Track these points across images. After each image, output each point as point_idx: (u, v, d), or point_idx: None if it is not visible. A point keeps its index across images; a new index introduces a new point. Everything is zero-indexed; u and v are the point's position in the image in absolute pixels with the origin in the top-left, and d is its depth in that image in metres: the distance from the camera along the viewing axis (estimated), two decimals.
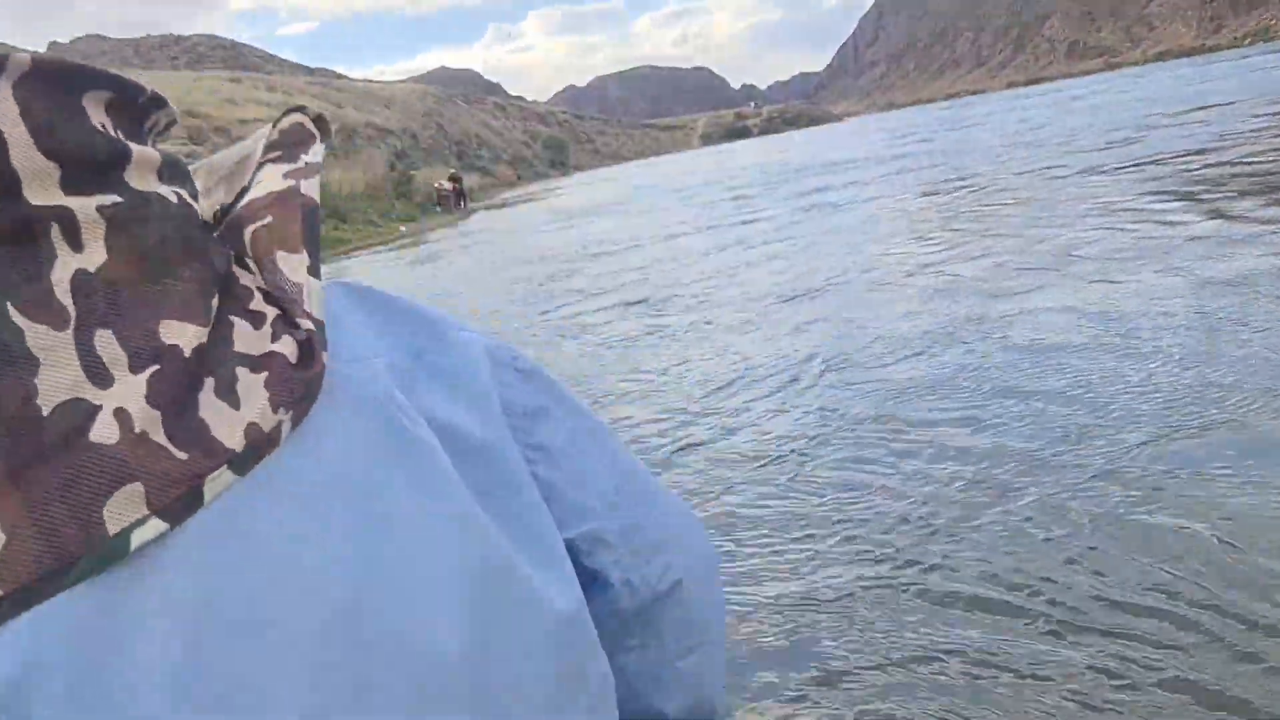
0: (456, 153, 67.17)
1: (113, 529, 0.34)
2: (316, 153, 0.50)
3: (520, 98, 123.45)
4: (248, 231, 0.45)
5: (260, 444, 0.39)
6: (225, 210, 0.48)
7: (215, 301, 0.41)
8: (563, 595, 0.48)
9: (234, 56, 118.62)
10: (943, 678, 2.54)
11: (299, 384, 0.42)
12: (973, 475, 3.74)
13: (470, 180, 44.74)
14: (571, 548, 0.54)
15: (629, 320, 8.31)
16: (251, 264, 0.45)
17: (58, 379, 0.35)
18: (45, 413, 0.34)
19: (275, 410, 0.40)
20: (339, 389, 0.44)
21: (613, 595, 0.58)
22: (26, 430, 0.34)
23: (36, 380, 0.35)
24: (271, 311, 0.44)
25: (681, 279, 10.09)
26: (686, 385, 5.85)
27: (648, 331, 7.67)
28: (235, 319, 0.43)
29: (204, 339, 0.40)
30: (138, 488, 0.35)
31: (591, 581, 0.56)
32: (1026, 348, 5.20)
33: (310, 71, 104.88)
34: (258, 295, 0.44)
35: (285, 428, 0.40)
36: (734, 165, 35.48)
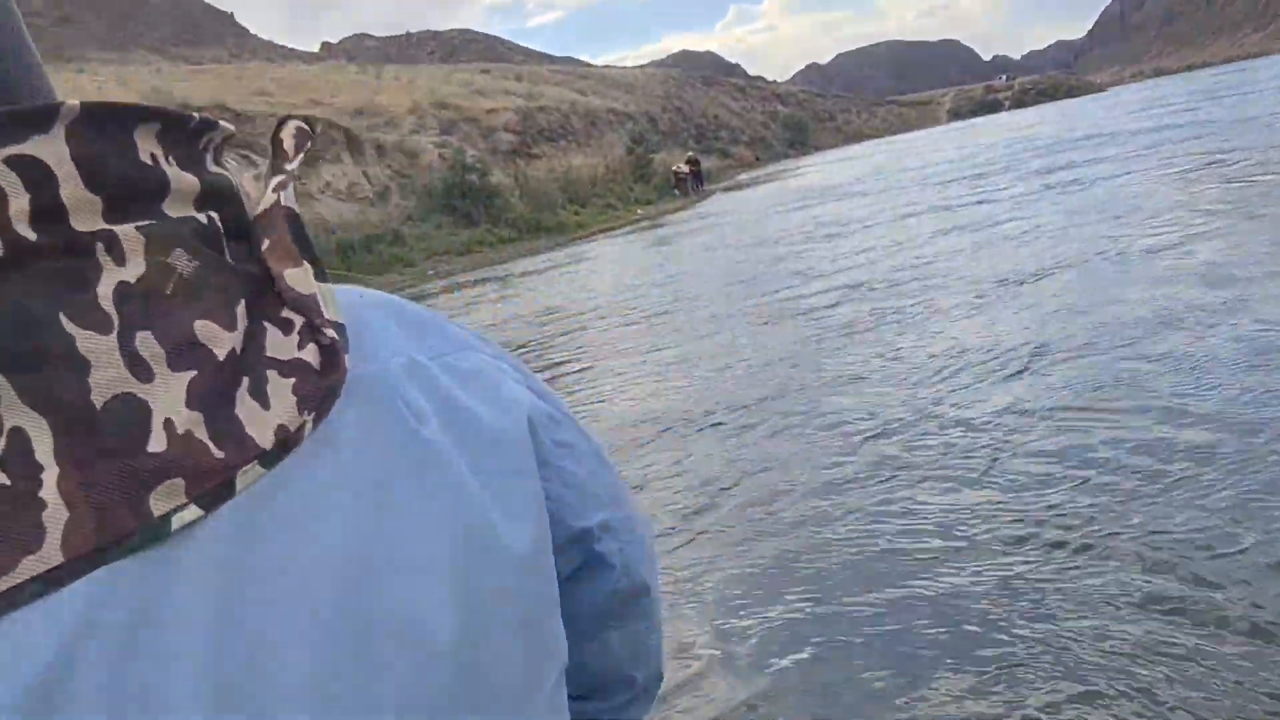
0: (695, 135, 67.80)
1: (157, 513, 0.42)
2: (296, 161, 0.54)
3: (760, 78, 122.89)
4: (263, 246, 0.50)
5: (287, 442, 0.45)
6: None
7: (242, 309, 0.47)
8: (519, 541, 0.55)
9: (486, 49, 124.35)
10: (1143, 682, 2.56)
11: (324, 388, 0.48)
12: (1176, 472, 3.64)
13: (708, 163, 45.23)
14: (588, 534, 0.65)
15: (850, 304, 8.34)
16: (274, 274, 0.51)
17: (107, 377, 0.42)
18: (99, 407, 0.42)
19: (301, 412, 0.46)
20: (356, 388, 0.50)
21: (614, 577, 0.69)
22: (84, 423, 0.41)
23: (89, 380, 0.42)
24: (299, 319, 0.49)
25: (909, 262, 9.97)
26: (897, 372, 5.87)
27: (867, 315, 7.69)
28: (267, 325, 0.48)
29: (239, 343, 0.46)
30: (179, 481, 0.42)
31: (599, 563, 0.67)
32: (1256, 342, 4.91)
33: (555, 60, 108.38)
34: (285, 304, 0.50)
35: (308, 428, 0.47)
36: (980, 141, 34.16)
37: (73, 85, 26.67)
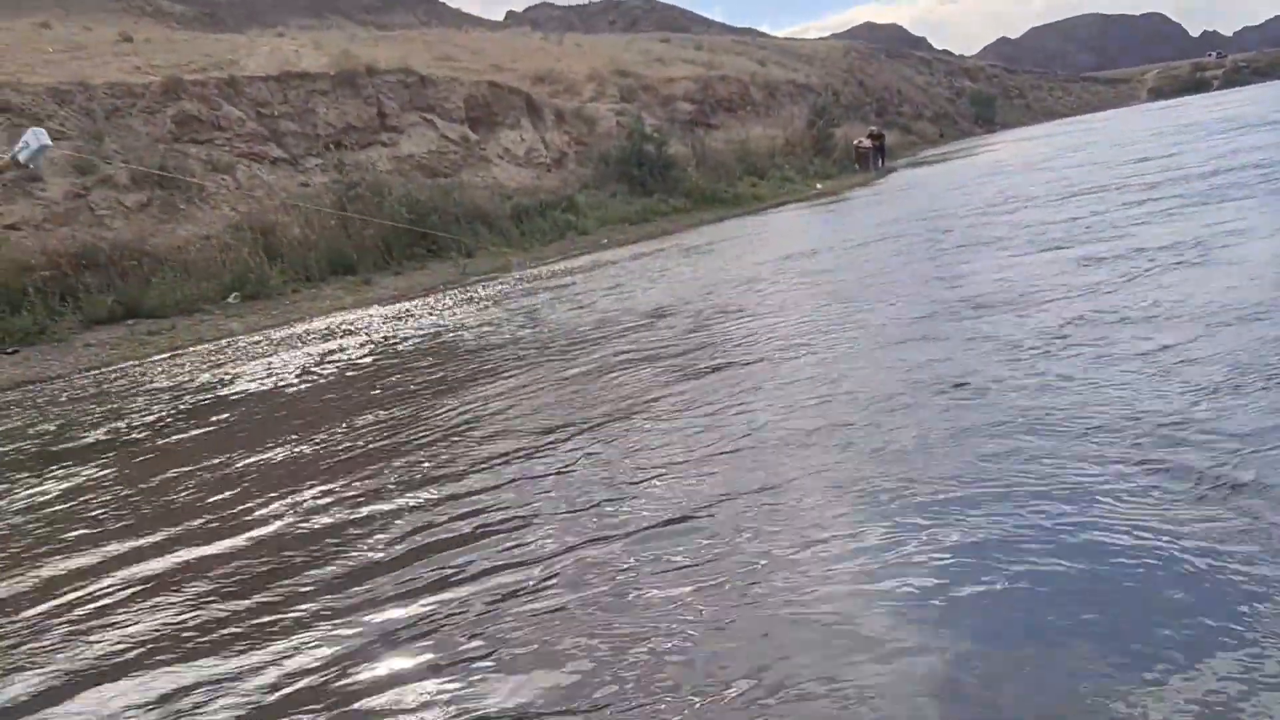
0: (877, 109, 65.68)
1: None
2: None
3: (947, 51, 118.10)
4: None
5: None
6: None
7: None
8: None
9: (666, 19, 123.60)
10: None
11: None
12: None
13: (890, 138, 43.56)
14: None
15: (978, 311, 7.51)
16: None
17: None
18: None
19: None
20: None
21: None
22: None
23: None
24: None
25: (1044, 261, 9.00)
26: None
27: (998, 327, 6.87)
28: None
29: None
30: None
31: None
32: None
33: (735, 30, 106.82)
34: None
35: None
36: (1182, 121, 31.63)
37: (271, 47, 27.57)
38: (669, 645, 3.10)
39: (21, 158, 3.43)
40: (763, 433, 5.13)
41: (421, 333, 11.89)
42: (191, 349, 14.13)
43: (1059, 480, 3.83)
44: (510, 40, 40.29)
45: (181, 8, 68.17)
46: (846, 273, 11.07)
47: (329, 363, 10.60)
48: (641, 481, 4.69)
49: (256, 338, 14.32)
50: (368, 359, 10.44)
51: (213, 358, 12.79)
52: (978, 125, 79.58)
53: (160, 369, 12.50)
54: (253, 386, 9.84)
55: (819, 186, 29.99)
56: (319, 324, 14.88)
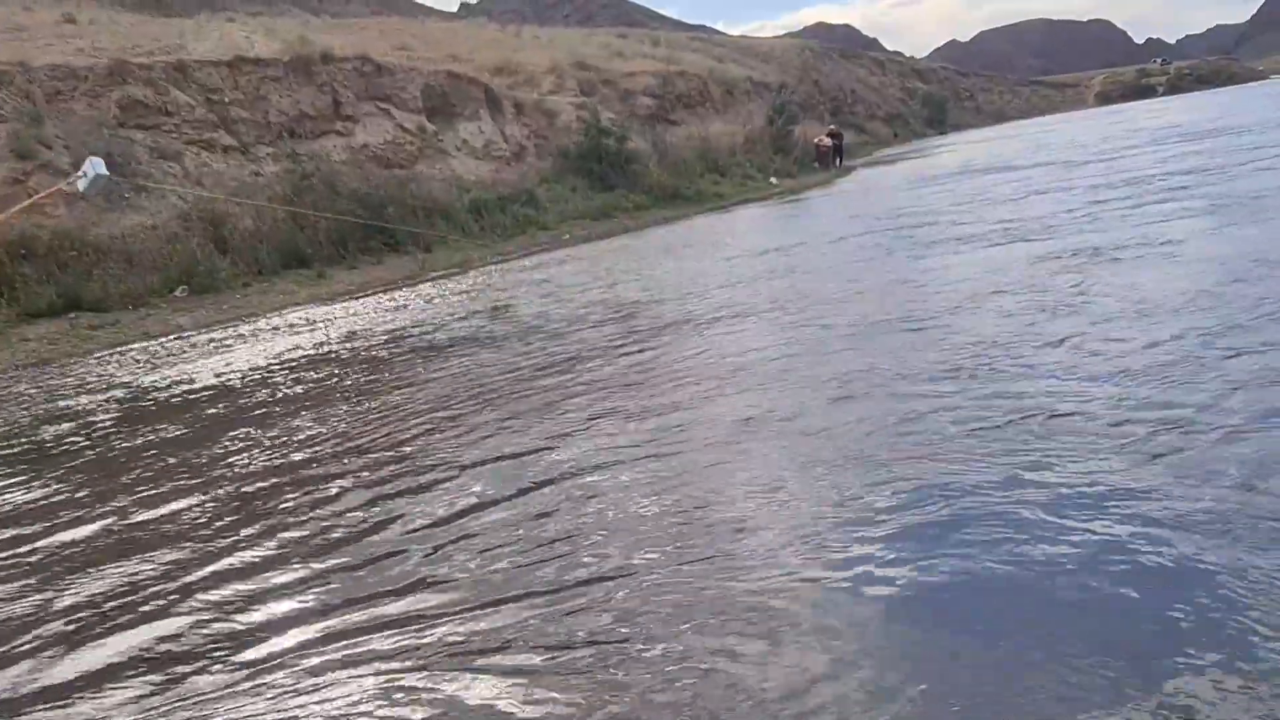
0: (831, 109, 65.77)
1: None
2: None
3: (899, 53, 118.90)
4: None
5: None
6: None
7: None
8: None
9: (622, 14, 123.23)
10: None
11: None
12: None
13: (845, 137, 43.48)
14: None
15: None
16: None
17: None
18: None
19: None
20: None
21: None
22: None
23: None
24: None
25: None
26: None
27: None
28: None
29: None
30: None
31: None
32: None
33: (690, 27, 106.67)
34: None
35: None
36: (1128, 127, 31.90)
37: (222, 33, 26.73)
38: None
39: (81, 187, 3.22)
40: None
41: (385, 334, 11.39)
42: (136, 345, 13.48)
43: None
44: (467, 31, 39.59)
45: None
46: (821, 273, 10.76)
47: (284, 362, 10.07)
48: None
49: (206, 334, 13.70)
50: (329, 355, 9.93)
51: (159, 355, 12.18)
52: (930, 127, 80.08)
53: (107, 367, 11.87)
54: (201, 385, 9.29)
55: (774, 182, 29.74)
56: (273, 320, 14.29)
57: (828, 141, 35.43)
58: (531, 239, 21.25)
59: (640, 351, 7.75)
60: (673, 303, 10.22)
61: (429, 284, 16.78)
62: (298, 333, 12.44)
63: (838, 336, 7.19)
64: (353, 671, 3.21)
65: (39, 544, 5.12)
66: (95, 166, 3.31)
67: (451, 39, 34.94)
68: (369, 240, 19.39)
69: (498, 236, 21.15)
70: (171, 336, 13.87)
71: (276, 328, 13.32)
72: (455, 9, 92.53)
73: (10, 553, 5.03)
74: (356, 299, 15.69)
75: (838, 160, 35.64)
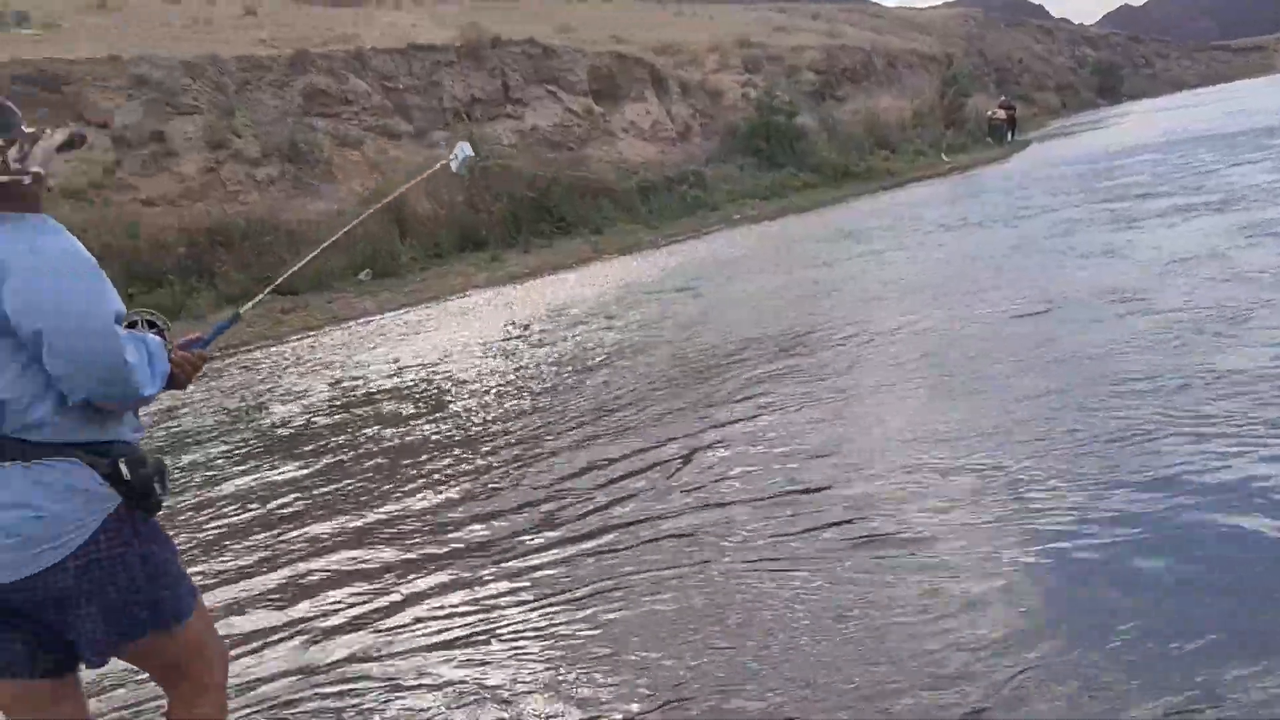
0: (997, 79, 63.16)
1: None
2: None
3: (1065, 19, 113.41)
4: None
5: None
6: None
7: None
8: None
9: None
10: None
11: None
12: None
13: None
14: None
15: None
16: None
17: None
18: None
19: None
20: None
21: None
22: None
23: None
24: None
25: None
26: None
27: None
28: None
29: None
30: None
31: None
32: None
33: (843, 0, 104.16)
34: None
35: None
36: None
37: (390, 20, 27.30)
38: None
39: (454, 167, 3.39)
40: None
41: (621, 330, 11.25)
42: (326, 327, 13.78)
43: None
44: (629, 11, 39.47)
45: None
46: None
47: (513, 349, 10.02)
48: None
49: (396, 316, 13.88)
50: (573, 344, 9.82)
51: (361, 337, 12.37)
52: (1101, 96, 76.01)
53: (324, 351, 12.13)
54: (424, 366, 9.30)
55: (945, 159, 28.54)
56: (456, 301, 14.39)
57: (1001, 114, 33.84)
58: (701, 220, 20.91)
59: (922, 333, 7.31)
60: (915, 295, 9.73)
61: (602, 264, 16.66)
62: (479, 317, 12.44)
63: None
64: None
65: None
66: (464, 150, 3.37)
67: (613, 19, 34.85)
68: (540, 223, 19.42)
69: (666, 218, 20.91)
70: (359, 320, 14.12)
71: (466, 309, 13.37)
72: None
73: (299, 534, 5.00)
74: (531, 280, 15.68)
75: (1011, 134, 34.03)
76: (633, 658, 3.25)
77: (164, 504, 2.27)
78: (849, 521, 4.05)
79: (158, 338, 2.34)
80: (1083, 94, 74.95)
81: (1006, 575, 3.37)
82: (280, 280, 3.07)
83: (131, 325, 2.35)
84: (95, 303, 2.09)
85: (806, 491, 4.49)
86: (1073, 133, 35.47)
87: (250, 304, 2.81)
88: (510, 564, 4.27)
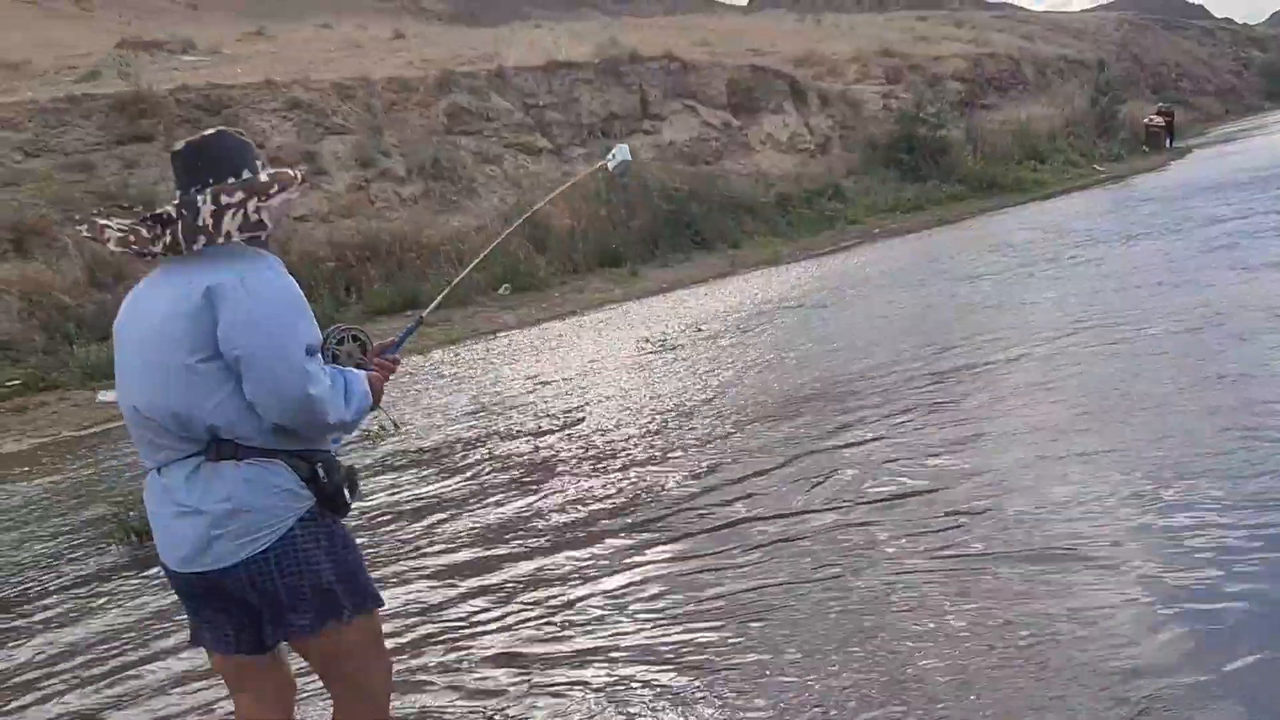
0: (1153, 85, 60.40)
1: None
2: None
3: (1229, 20, 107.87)
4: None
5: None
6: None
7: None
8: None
9: None
10: None
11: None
12: None
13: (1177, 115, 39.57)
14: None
15: None
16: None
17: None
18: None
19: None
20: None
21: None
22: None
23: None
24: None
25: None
26: None
27: None
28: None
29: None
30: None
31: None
32: None
33: (992, 5, 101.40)
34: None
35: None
36: None
37: (530, 39, 27.74)
38: None
39: (610, 167, 3.56)
40: None
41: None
42: (468, 341, 14.02)
43: None
44: (765, 23, 39.28)
45: (441, 5, 71.04)
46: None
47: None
48: None
49: (537, 329, 14.04)
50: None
51: (502, 351, 12.54)
52: (1269, 100, 71.84)
53: (462, 366, 12.35)
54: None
55: (1099, 169, 27.35)
56: (595, 315, 14.46)
57: (1159, 121, 32.27)
58: (840, 233, 20.54)
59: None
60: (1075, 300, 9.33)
61: (739, 278, 16.52)
62: (616, 331, 12.44)
63: None
64: None
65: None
66: (622, 153, 3.53)
67: (750, 32, 34.70)
68: (677, 238, 19.39)
69: (805, 231, 20.61)
70: (500, 333, 14.32)
71: (602, 323, 13.42)
72: (745, 2, 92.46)
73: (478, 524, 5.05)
74: (667, 295, 15.64)
75: (1169, 141, 32.41)
76: (786, 676, 3.22)
77: (352, 508, 2.52)
78: (1000, 536, 3.95)
79: (359, 370, 2.62)
80: (1247, 98, 71.05)
81: (1168, 592, 3.23)
82: (456, 282, 3.44)
83: (337, 341, 2.73)
84: (287, 336, 2.36)
85: (955, 513, 4.35)
86: (1236, 138, 33.64)
87: (430, 307, 3.14)
88: (652, 572, 4.27)
